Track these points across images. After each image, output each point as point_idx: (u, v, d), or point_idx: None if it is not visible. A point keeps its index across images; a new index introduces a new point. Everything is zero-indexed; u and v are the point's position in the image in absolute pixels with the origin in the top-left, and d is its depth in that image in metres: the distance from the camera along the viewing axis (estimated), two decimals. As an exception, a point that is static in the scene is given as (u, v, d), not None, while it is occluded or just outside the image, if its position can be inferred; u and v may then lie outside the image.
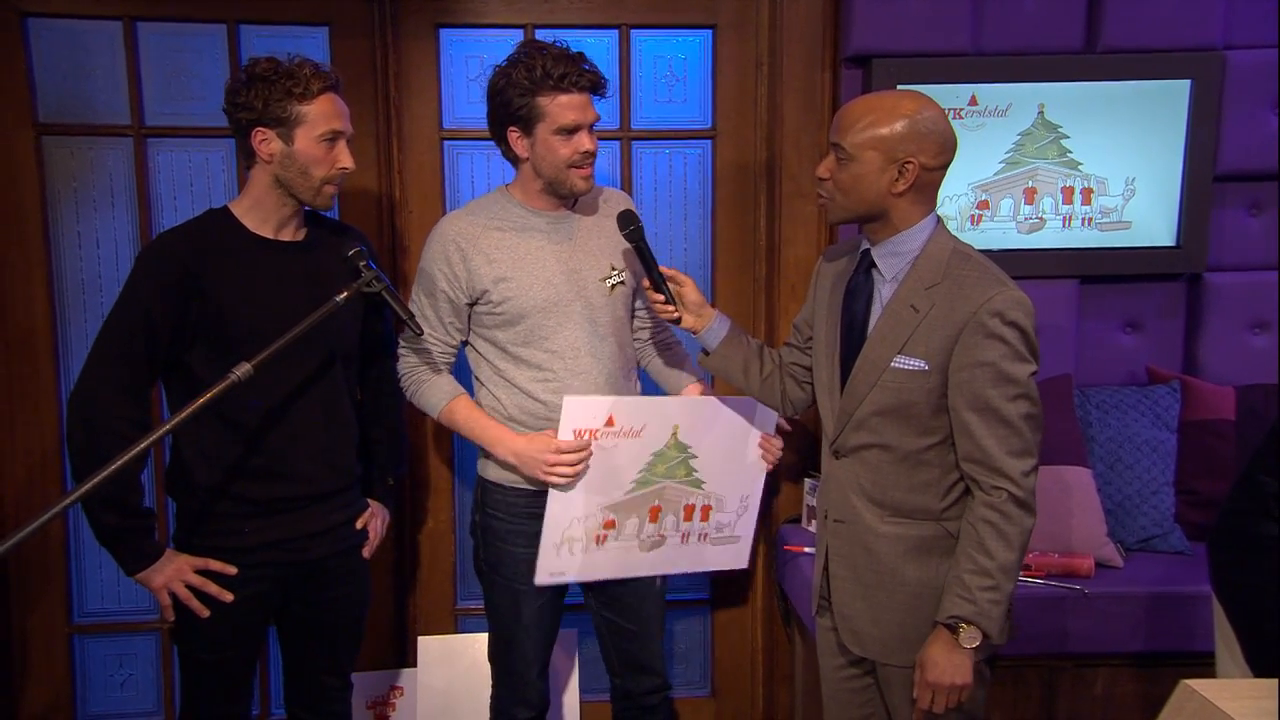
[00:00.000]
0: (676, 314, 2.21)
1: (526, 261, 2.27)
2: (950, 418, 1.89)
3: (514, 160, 2.30)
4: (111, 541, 2.08)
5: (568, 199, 2.31)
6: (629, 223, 2.24)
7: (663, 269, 2.22)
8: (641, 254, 2.23)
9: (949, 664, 1.86)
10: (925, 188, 1.90)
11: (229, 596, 2.11)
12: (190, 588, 2.10)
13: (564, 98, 2.19)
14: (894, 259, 1.94)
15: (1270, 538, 1.71)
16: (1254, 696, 1.33)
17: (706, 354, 2.26)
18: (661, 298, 2.21)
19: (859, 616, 1.99)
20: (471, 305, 2.29)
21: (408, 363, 2.34)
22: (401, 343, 2.35)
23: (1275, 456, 1.74)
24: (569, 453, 2.19)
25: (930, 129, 1.85)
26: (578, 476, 2.23)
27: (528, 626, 2.36)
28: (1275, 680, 1.40)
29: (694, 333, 2.23)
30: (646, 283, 2.23)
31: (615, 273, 2.35)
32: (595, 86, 2.24)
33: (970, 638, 1.84)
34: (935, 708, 1.89)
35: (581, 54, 2.23)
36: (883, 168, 1.86)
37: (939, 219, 1.96)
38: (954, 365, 1.85)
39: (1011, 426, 1.83)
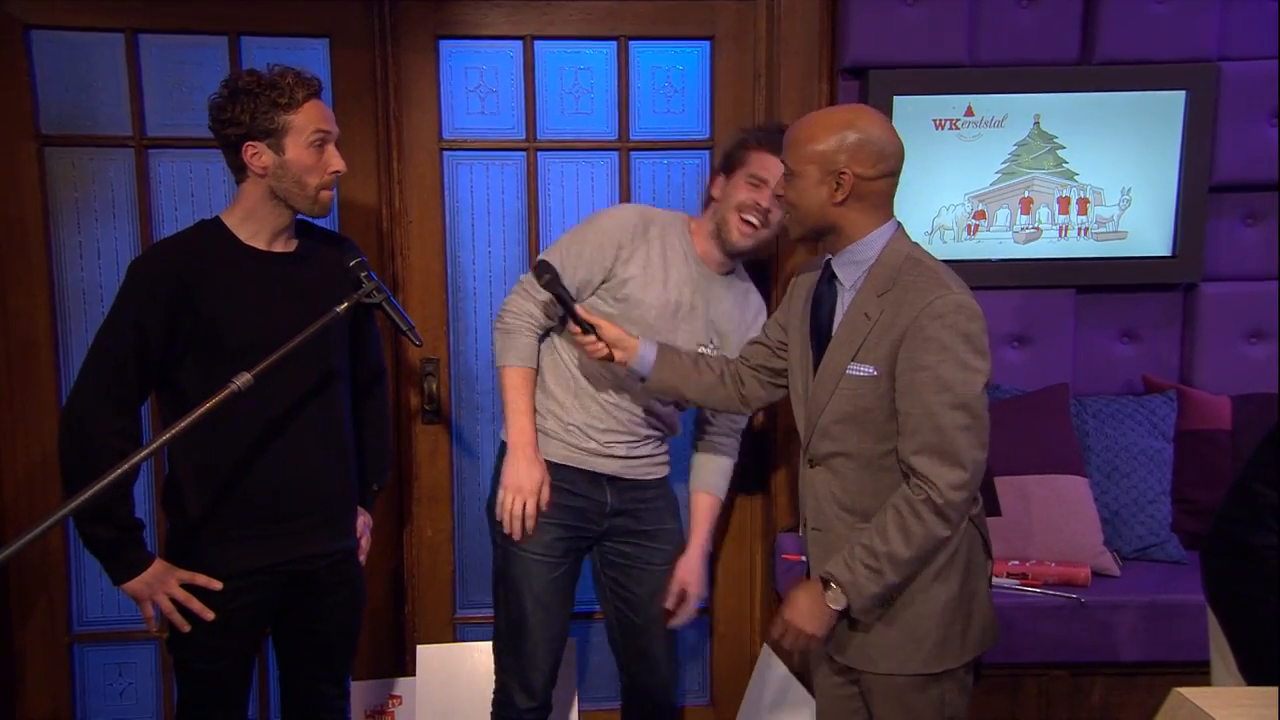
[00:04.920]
0: (605, 350, 2.23)
1: (659, 283, 2.36)
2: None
3: (707, 203, 2.46)
4: (101, 552, 2.07)
5: (729, 255, 2.41)
6: (545, 271, 2.27)
7: (579, 312, 2.24)
8: (561, 300, 2.25)
9: (808, 611, 1.93)
10: (869, 197, 1.93)
11: (210, 615, 2.08)
12: (174, 602, 2.08)
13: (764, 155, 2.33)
14: (852, 267, 1.97)
15: (1265, 548, 1.71)
16: (1246, 704, 1.34)
17: (644, 381, 2.27)
18: (591, 338, 2.23)
19: (839, 625, 2.00)
20: (603, 283, 2.38)
21: (521, 305, 2.38)
22: (527, 283, 2.38)
23: (1271, 467, 1.74)
24: (525, 514, 2.33)
25: (862, 141, 1.90)
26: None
27: (539, 597, 2.39)
28: (1267, 689, 1.41)
29: (625, 364, 2.25)
30: (574, 328, 2.24)
31: (711, 345, 2.42)
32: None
33: (835, 599, 1.90)
34: (784, 643, 1.97)
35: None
36: (820, 180, 1.92)
37: (898, 227, 1.99)
38: (898, 369, 1.88)
39: (944, 435, 1.85)
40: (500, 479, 2.38)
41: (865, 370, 1.91)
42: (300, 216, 2.18)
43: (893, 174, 1.94)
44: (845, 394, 1.94)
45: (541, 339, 2.43)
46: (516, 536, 2.34)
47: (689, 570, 2.48)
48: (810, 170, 1.92)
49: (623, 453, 2.41)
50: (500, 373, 2.41)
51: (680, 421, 2.54)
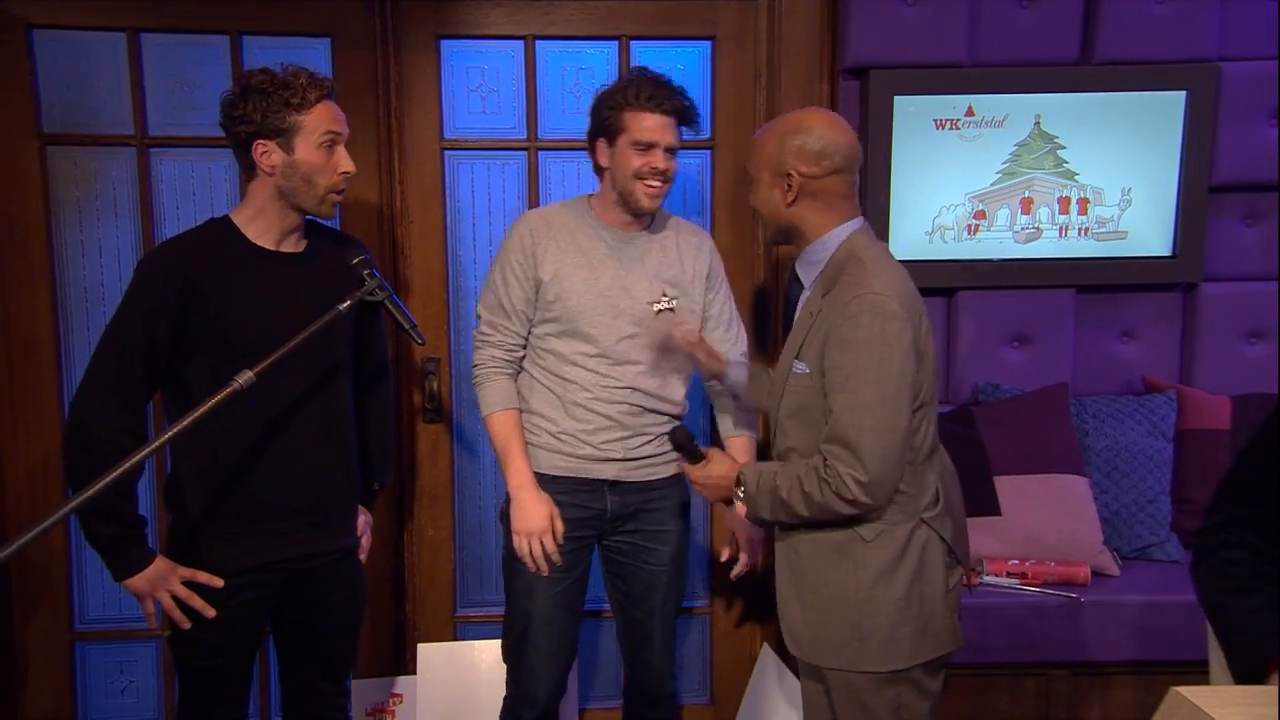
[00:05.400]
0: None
1: (580, 266, 2.35)
2: None
3: (598, 171, 2.41)
4: (103, 548, 2.07)
5: (638, 216, 2.39)
6: (675, 434, 2.19)
7: (701, 451, 2.17)
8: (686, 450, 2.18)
9: (713, 485, 2.09)
10: (821, 196, 1.96)
11: (211, 612, 2.09)
12: (176, 599, 2.08)
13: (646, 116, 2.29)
14: (810, 267, 2.01)
15: (1237, 572, 1.67)
16: (1244, 703, 1.34)
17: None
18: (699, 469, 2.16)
19: (793, 618, 2.03)
20: (535, 294, 2.38)
21: (483, 354, 2.42)
22: (479, 333, 2.42)
23: (1243, 483, 1.70)
24: (543, 552, 2.33)
25: (803, 140, 1.94)
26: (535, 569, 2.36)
27: (542, 611, 2.39)
28: (1267, 688, 1.41)
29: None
30: (685, 463, 2.19)
31: (665, 299, 2.40)
32: (682, 114, 2.33)
33: (739, 495, 2.04)
34: (692, 482, 2.14)
35: (670, 81, 2.34)
36: (773, 183, 1.98)
37: (858, 226, 1.99)
38: (825, 367, 1.90)
39: (848, 433, 1.85)
40: (510, 524, 2.37)
41: (802, 368, 1.95)
42: (307, 217, 2.18)
43: (840, 171, 1.95)
44: (792, 391, 1.98)
45: (518, 374, 2.44)
46: (545, 573, 2.36)
47: (735, 517, 2.45)
48: (764, 175, 1.99)
49: (620, 454, 2.38)
50: (486, 423, 2.41)
51: (686, 400, 2.49)
